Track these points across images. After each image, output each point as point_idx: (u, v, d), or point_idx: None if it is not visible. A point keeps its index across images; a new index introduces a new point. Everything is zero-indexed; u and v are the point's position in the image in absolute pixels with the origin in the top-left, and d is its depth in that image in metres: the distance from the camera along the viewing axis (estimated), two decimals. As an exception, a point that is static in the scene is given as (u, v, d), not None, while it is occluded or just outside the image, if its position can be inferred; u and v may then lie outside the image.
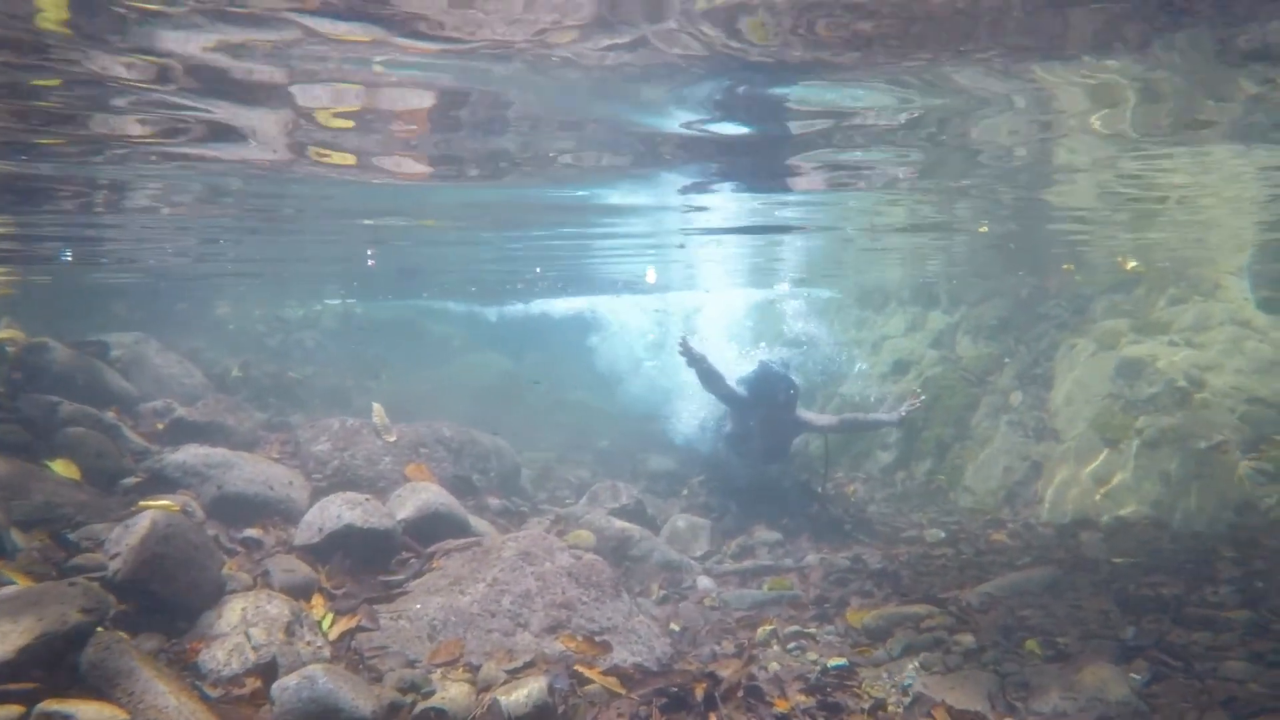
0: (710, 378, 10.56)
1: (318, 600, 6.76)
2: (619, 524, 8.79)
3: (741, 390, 10.88)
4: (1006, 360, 13.11)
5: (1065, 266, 14.14)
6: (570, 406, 17.71)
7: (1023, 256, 14.53)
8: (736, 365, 11.78)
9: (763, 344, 13.21)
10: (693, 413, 13.71)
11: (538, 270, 17.99)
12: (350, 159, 6.80)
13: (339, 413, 11.42)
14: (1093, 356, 11.98)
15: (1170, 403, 10.52)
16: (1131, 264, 12.92)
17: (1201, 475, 9.68)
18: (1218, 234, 11.55)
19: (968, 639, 6.80)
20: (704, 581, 8.44)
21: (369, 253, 14.54)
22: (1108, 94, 5.62)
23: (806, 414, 11.39)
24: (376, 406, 10.48)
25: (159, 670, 4.85)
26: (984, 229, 11.43)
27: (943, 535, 9.88)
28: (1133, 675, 5.99)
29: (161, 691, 4.63)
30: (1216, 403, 10.29)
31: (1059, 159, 7.61)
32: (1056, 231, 12.12)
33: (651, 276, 18.93)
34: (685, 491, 11.70)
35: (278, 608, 6.03)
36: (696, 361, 10.30)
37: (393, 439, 9.99)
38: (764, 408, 10.76)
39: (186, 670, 5.47)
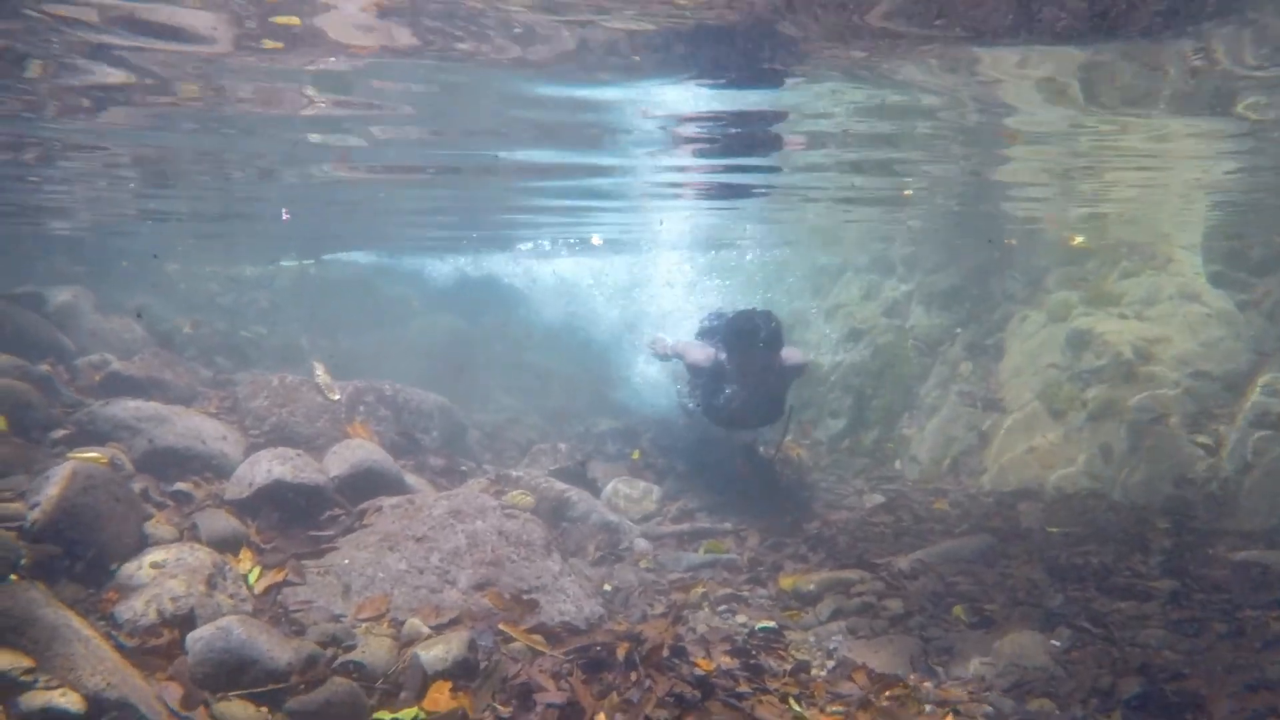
0: (693, 368, 9.93)
1: (245, 554, 6.69)
2: (558, 485, 8.75)
3: (713, 347, 9.69)
4: (958, 330, 13.16)
5: (1008, 241, 14.19)
6: (527, 368, 17.62)
7: (976, 229, 14.57)
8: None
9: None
10: (648, 373, 13.71)
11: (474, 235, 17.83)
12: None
13: (291, 371, 11.24)
14: (1043, 328, 12.04)
15: (1116, 375, 10.60)
16: (1078, 239, 12.99)
17: (1142, 448, 9.78)
18: (1169, 208, 11.63)
19: (896, 604, 6.86)
20: (641, 543, 8.44)
21: (284, 213, 14.28)
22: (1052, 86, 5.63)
23: (794, 353, 9.93)
24: (319, 364, 10.35)
25: (69, 618, 4.76)
26: (908, 193, 11.42)
27: (881, 500, 9.93)
28: (1052, 641, 6.06)
29: (69, 639, 4.55)
30: (1162, 376, 10.37)
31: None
32: (1008, 208, 12.23)
33: (597, 240, 18.79)
34: (635, 454, 11.68)
35: (200, 560, 5.95)
36: (677, 357, 9.86)
37: (336, 397, 9.87)
38: (741, 356, 9.18)
39: (103, 620, 5.38)
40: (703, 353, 9.89)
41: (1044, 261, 13.24)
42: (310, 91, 6.92)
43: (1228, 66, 5.50)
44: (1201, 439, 9.60)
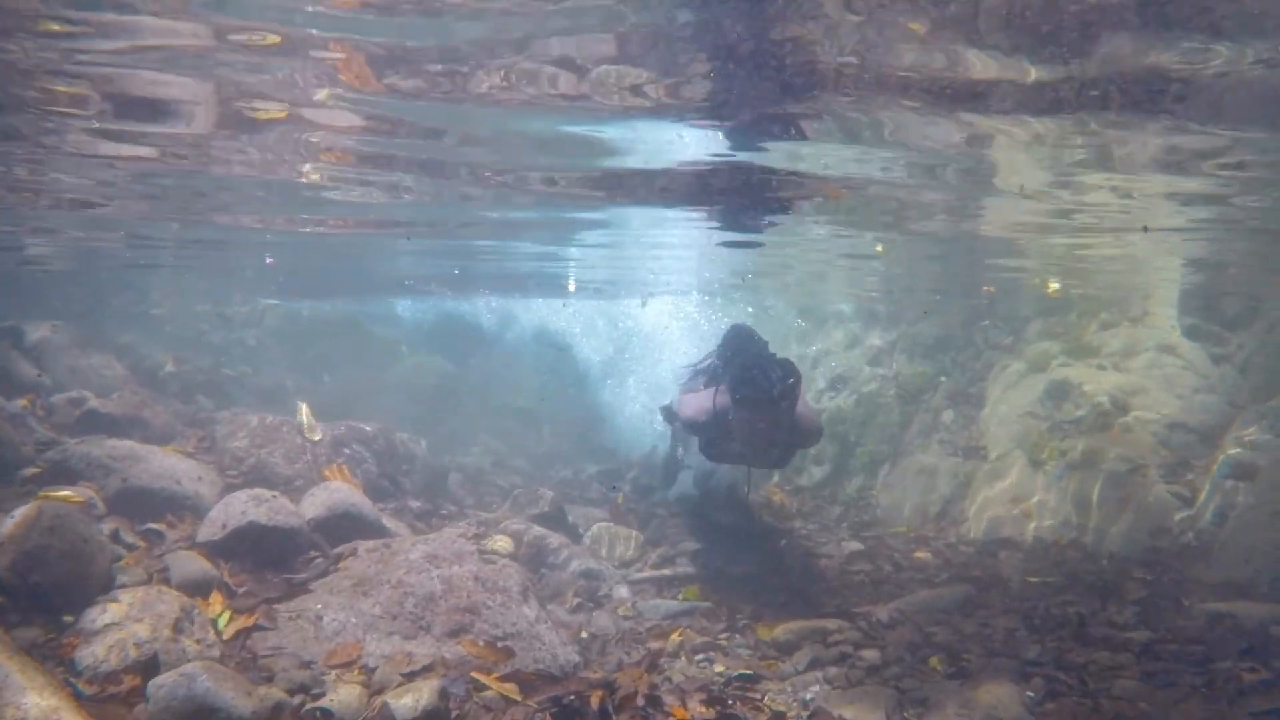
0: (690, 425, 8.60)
1: (216, 598, 6.61)
2: (537, 530, 8.71)
3: (710, 399, 8.17)
4: (942, 379, 13.23)
5: (986, 288, 14.36)
6: (513, 412, 17.60)
7: (958, 279, 14.74)
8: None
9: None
10: (634, 419, 13.73)
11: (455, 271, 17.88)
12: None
13: (274, 411, 11.18)
14: (1024, 378, 12.12)
15: (1095, 426, 10.66)
16: (1053, 286, 13.15)
17: (1121, 498, 9.80)
18: (1145, 263, 11.79)
19: (873, 654, 6.81)
20: (620, 590, 8.38)
21: (268, 258, 14.36)
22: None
23: (806, 412, 8.31)
24: (302, 405, 10.32)
25: (24, 665, 4.69)
26: (880, 249, 11.61)
27: (862, 548, 9.90)
28: (1028, 693, 6.03)
29: (22, 687, 4.48)
30: (1139, 427, 10.44)
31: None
32: (991, 261, 12.43)
33: (572, 286, 18.94)
34: (619, 498, 11.63)
35: (167, 604, 5.88)
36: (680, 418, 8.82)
37: (318, 437, 9.84)
38: (748, 412, 7.57)
39: (63, 666, 5.30)
40: (697, 403, 8.49)
41: (1025, 311, 13.37)
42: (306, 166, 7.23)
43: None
44: (1178, 489, 9.63)
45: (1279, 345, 10.64)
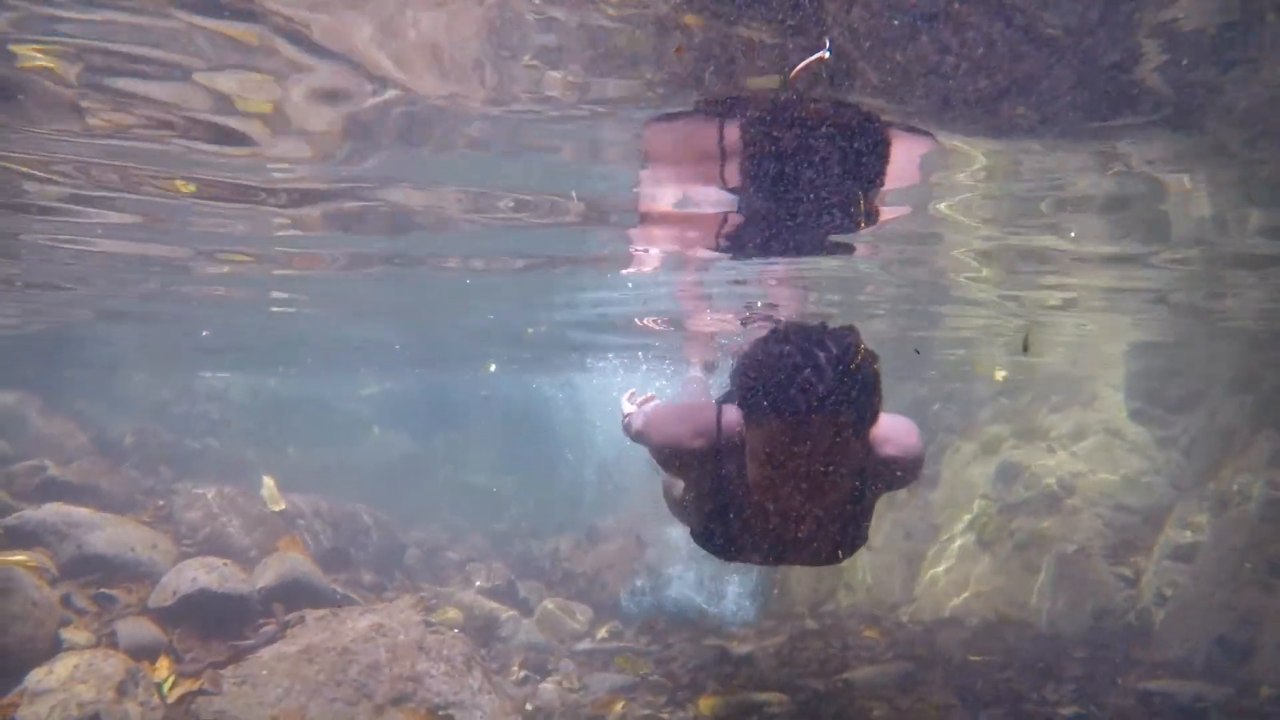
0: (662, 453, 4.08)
1: (163, 662, 6.68)
2: (488, 603, 8.81)
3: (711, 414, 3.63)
4: (897, 461, 13.47)
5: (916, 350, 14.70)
6: (475, 490, 17.68)
7: (916, 363, 15.10)
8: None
9: None
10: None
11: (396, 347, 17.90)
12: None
13: (235, 484, 11.24)
14: (976, 460, 12.39)
15: (1043, 507, 10.90)
16: (1000, 374, 13.51)
17: (1065, 578, 10.01)
18: (1093, 348, 12.20)
19: (811, 727, 6.93)
20: (566, 664, 8.45)
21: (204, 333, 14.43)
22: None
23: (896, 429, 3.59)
24: (268, 479, 10.46)
25: (-36, 722, 4.77)
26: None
27: (816, 627, 10.03)
28: (958, 765, 6.16)
29: (-39, 743, 4.56)
30: (1085, 509, 10.70)
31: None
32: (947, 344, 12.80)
33: (491, 368, 19.06)
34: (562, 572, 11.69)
35: (113, 666, 5.95)
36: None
37: (281, 507, 9.96)
38: (789, 433, 2.86)
39: (3, 727, 5.37)
40: (684, 418, 3.93)
41: (980, 394, 13.72)
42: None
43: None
44: (1121, 570, 9.85)
45: (1220, 430, 10.99)
